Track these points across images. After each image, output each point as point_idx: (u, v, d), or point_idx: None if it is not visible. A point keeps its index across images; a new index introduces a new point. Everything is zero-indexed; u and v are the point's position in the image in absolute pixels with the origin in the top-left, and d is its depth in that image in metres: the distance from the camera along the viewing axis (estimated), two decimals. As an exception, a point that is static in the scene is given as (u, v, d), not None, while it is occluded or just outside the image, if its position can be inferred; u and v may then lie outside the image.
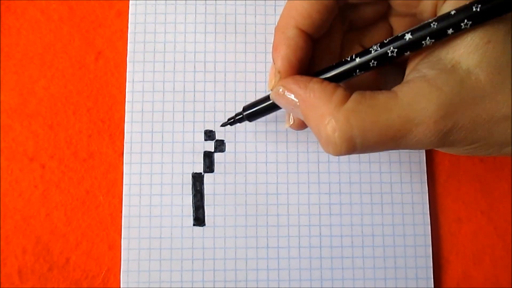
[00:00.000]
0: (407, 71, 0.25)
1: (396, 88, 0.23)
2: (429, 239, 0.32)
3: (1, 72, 0.33)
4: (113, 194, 0.32)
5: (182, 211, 0.31)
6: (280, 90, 0.25)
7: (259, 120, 0.32)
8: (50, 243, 0.31)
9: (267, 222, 0.32)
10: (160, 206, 0.31)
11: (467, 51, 0.22)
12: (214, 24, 0.34)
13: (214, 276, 0.31)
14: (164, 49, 0.33)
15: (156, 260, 0.31)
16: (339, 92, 0.23)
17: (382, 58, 0.24)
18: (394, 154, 0.33)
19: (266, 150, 0.32)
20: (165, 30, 0.33)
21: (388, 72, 0.29)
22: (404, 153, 0.33)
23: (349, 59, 0.24)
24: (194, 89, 0.33)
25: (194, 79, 0.33)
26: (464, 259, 0.32)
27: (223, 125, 0.31)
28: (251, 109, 0.29)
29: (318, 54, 0.27)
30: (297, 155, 0.32)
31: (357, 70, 0.24)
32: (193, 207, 0.32)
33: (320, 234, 0.32)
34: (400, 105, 0.22)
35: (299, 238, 0.31)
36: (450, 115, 0.22)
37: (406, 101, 0.22)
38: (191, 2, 0.34)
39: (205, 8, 0.34)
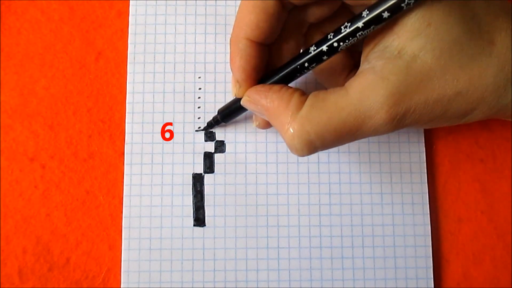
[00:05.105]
0: (361, 61, 0.25)
1: (347, 84, 0.24)
2: (429, 239, 0.32)
3: (1, 72, 0.33)
4: (113, 195, 0.32)
5: (182, 212, 0.31)
6: (248, 98, 0.27)
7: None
8: (50, 243, 0.31)
9: (267, 223, 0.32)
10: (161, 206, 0.31)
11: (410, 36, 0.22)
12: (214, 25, 0.34)
13: (214, 277, 0.31)
14: (165, 50, 0.33)
15: (157, 261, 0.31)
16: (295, 100, 0.24)
17: (318, 56, 0.25)
18: (394, 154, 0.33)
19: (266, 151, 0.32)
20: (165, 31, 0.33)
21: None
22: (404, 154, 0.33)
23: (299, 55, 0.26)
24: (195, 90, 0.33)
25: (195, 80, 0.33)
26: (464, 259, 0.32)
27: (202, 130, 0.32)
28: (225, 111, 0.30)
29: (277, 56, 0.27)
30: (297, 155, 0.32)
31: (304, 68, 0.25)
32: (193, 207, 0.32)
33: (320, 234, 0.32)
34: (350, 102, 0.23)
35: (299, 239, 0.31)
36: (400, 102, 0.22)
37: (355, 97, 0.23)
38: (191, 3, 0.34)
39: (205, 9, 0.34)
